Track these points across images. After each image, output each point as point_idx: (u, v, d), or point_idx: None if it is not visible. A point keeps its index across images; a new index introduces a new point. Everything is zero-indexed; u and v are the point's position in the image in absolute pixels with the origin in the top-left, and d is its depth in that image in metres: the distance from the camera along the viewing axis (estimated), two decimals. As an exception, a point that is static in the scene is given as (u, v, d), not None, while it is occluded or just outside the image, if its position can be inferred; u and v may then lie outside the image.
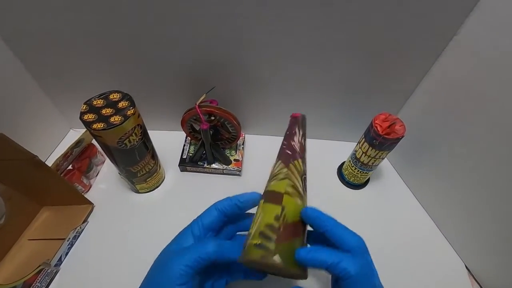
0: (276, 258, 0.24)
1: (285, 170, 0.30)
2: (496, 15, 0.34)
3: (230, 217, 0.30)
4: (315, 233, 0.29)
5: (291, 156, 0.32)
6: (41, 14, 0.40)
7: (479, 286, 0.43)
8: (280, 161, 0.32)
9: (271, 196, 0.28)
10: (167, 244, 0.30)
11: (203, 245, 0.26)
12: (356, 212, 0.51)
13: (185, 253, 0.26)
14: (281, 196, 0.28)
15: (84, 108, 0.37)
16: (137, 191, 0.50)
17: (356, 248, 0.25)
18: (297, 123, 0.35)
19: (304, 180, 0.31)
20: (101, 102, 0.38)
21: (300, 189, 0.29)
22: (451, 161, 0.44)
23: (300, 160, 0.32)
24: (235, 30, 0.41)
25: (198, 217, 0.30)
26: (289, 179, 0.29)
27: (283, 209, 0.27)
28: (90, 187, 0.51)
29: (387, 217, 0.50)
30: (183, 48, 0.44)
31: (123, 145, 0.39)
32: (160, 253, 0.29)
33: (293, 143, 0.33)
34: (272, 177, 0.31)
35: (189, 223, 0.32)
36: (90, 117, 0.36)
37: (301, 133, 0.34)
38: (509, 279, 0.39)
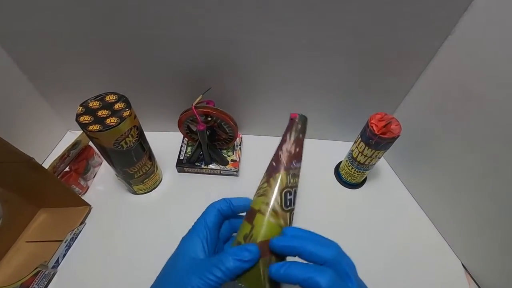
0: (238, 282, 0.24)
1: (265, 185, 0.29)
2: (490, 14, 0.35)
3: (226, 217, 0.31)
4: None
5: (274, 168, 0.29)
6: (37, 15, 0.40)
7: (476, 284, 0.43)
8: (265, 173, 0.30)
9: (248, 213, 0.29)
10: (175, 251, 0.28)
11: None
12: (354, 212, 0.51)
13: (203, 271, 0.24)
14: (254, 213, 0.28)
15: (80, 110, 0.37)
16: (135, 192, 0.50)
17: (329, 259, 0.24)
18: (290, 128, 0.32)
19: (287, 194, 0.28)
20: (97, 104, 0.38)
21: (277, 206, 0.27)
22: (448, 159, 0.44)
23: (284, 173, 0.29)
24: (231, 31, 0.41)
25: (201, 218, 0.30)
26: (265, 195, 0.28)
27: (252, 228, 0.27)
28: (88, 188, 0.51)
29: (384, 215, 0.50)
30: (180, 49, 0.44)
31: (120, 147, 0.39)
32: (170, 263, 0.27)
33: (280, 152, 0.30)
34: (257, 190, 0.30)
35: (186, 223, 0.32)
36: (86, 119, 0.36)
37: (292, 139, 0.31)
38: (506, 277, 0.39)
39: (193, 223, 0.31)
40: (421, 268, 0.44)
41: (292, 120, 0.32)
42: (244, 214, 0.30)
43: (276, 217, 0.27)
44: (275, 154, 0.31)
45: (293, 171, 0.29)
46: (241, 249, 0.25)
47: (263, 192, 0.29)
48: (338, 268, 0.24)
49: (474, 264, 0.44)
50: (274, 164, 0.30)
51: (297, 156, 0.30)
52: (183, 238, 0.29)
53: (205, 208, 0.31)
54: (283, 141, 0.31)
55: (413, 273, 0.44)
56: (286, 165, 0.29)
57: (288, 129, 0.32)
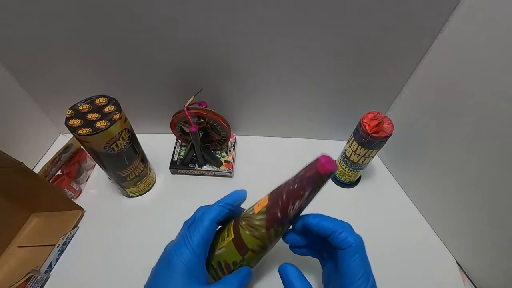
0: None
1: (263, 230, 0.28)
2: (479, 13, 0.34)
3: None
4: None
5: (278, 220, 0.28)
6: (25, 19, 0.40)
7: (470, 282, 0.43)
8: (264, 216, 0.28)
9: (239, 242, 0.29)
10: (163, 263, 0.27)
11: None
12: (348, 211, 0.50)
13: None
14: (246, 250, 0.29)
15: (69, 113, 0.37)
16: (128, 195, 0.50)
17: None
18: (312, 181, 0.25)
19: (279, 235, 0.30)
20: (87, 107, 0.38)
21: (270, 245, 0.30)
22: (441, 158, 0.44)
23: (286, 226, 0.29)
24: (223, 32, 0.41)
25: (194, 229, 0.28)
26: (262, 240, 0.29)
27: (242, 259, 0.29)
28: (81, 192, 0.51)
29: (379, 214, 0.50)
30: (170, 51, 0.44)
31: (111, 150, 0.38)
32: (158, 272, 0.27)
33: (291, 207, 0.27)
34: (254, 214, 0.29)
35: (181, 226, 0.32)
36: (75, 122, 0.36)
37: (307, 195, 0.27)
38: (500, 274, 0.39)
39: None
40: (415, 266, 0.44)
41: (319, 172, 0.24)
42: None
43: (266, 250, 0.30)
44: (283, 204, 0.27)
45: (288, 223, 0.29)
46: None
47: (258, 235, 0.28)
48: (360, 238, 0.28)
49: (468, 262, 0.44)
50: (279, 215, 0.27)
51: (300, 212, 0.29)
52: (173, 248, 0.27)
53: (199, 215, 0.30)
54: (297, 194, 0.26)
55: (407, 271, 0.44)
56: (291, 218, 0.28)
57: (309, 182, 0.25)
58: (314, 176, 0.25)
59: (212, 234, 0.29)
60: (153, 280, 0.27)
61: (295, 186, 0.27)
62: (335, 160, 0.25)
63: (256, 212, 0.29)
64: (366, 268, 0.27)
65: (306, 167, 0.27)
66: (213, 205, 0.31)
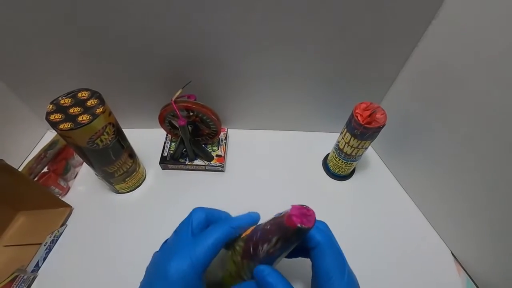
0: None
1: (239, 258, 0.26)
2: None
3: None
4: None
5: (250, 255, 0.25)
6: (3, 12, 0.38)
7: (465, 272, 0.43)
8: (244, 241, 0.26)
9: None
10: (159, 273, 0.25)
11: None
12: (343, 204, 0.50)
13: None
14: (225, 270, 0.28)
15: (50, 108, 0.35)
16: (117, 192, 0.49)
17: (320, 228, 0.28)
18: (281, 231, 0.22)
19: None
20: (69, 101, 0.36)
21: (244, 276, 0.27)
22: (435, 148, 0.43)
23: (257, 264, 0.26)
24: (211, 22, 0.40)
25: (193, 254, 0.25)
26: (237, 267, 0.27)
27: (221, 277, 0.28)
28: (69, 189, 0.50)
29: (373, 206, 0.49)
30: (157, 42, 0.42)
31: (95, 145, 0.37)
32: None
33: (260, 247, 0.24)
34: (240, 238, 0.27)
35: (172, 222, 0.29)
36: (57, 117, 0.35)
37: (274, 242, 0.23)
38: (495, 264, 0.39)
39: (178, 223, 0.28)
40: (410, 258, 0.44)
41: (284, 223, 0.21)
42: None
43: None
44: (255, 240, 0.25)
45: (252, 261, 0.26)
46: None
47: (236, 261, 0.27)
48: (330, 234, 0.28)
49: (463, 253, 0.43)
50: (251, 250, 0.25)
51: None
52: (170, 262, 0.25)
53: (209, 231, 0.27)
54: (266, 237, 0.23)
55: (402, 263, 0.43)
56: (260, 261, 0.25)
57: (277, 229, 0.23)
58: (281, 225, 0.22)
59: (215, 255, 0.26)
60: (149, 273, 0.26)
61: (267, 227, 0.24)
62: (315, 218, 0.22)
63: (242, 236, 0.27)
64: (339, 263, 0.26)
65: (283, 212, 0.24)
66: (224, 224, 0.27)
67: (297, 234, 0.21)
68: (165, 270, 0.24)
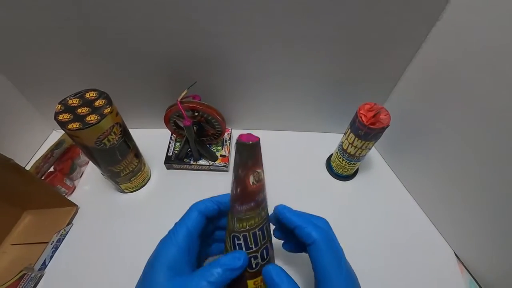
0: None
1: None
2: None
3: (210, 218, 0.29)
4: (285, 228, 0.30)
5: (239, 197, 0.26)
6: (9, 12, 0.38)
7: (468, 273, 0.43)
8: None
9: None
10: (150, 258, 0.26)
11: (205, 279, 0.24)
12: (346, 204, 0.51)
13: None
14: None
15: (59, 108, 0.36)
16: (123, 191, 0.49)
17: (321, 227, 0.28)
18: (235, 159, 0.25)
19: (235, 238, 0.27)
20: (77, 101, 0.37)
21: (228, 249, 0.28)
22: (438, 149, 0.44)
23: (229, 215, 0.27)
24: (216, 22, 0.40)
25: (180, 222, 0.28)
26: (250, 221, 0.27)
27: None
28: (74, 188, 0.50)
29: (376, 207, 0.50)
30: (163, 42, 0.43)
31: (102, 145, 0.38)
32: (145, 273, 0.26)
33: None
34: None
35: (177, 221, 0.31)
36: (65, 117, 0.35)
37: (232, 176, 0.26)
38: (498, 264, 0.39)
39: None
40: (413, 258, 0.44)
41: (239, 141, 0.24)
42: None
43: None
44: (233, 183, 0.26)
45: (238, 215, 0.26)
46: (231, 258, 0.25)
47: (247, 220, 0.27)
48: (328, 232, 0.29)
49: (466, 253, 0.43)
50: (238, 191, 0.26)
51: (238, 198, 0.26)
52: (160, 245, 0.26)
53: (187, 209, 0.29)
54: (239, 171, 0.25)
55: (405, 262, 0.43)
56: (231, 207, 0.27)
57: (237, 159, 0.25)
58: (237, 150, 0.25)
59: (199, 226, 0.28)
60: (141, 276, 0.26)
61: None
62: (258, 138, 0.24)
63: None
64: (336, 259, 0.27)
65: None
66: (203, 199, 0.30)
67: (247, 148, 0.24)
68: (153, 256, 0.26)
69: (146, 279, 0.25)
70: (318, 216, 0.30)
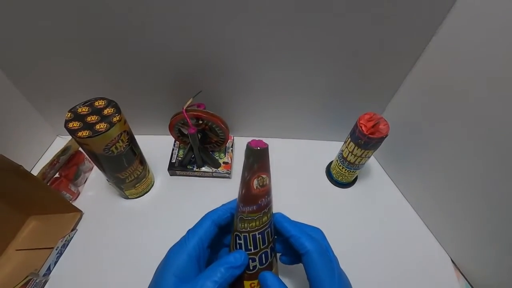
0: None
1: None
2: (473, 13, 0.35)
3: (223, 227, 0.30)
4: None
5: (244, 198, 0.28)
6: (19, 20, 0.39)
7: (464, 279, 0.44)
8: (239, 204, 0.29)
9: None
10: (160, 264, 0.27)
11: (209, 279, 0.25)
12: (345, 211, 0.52)
13: None
14: None
15: (68, 116, 0.37)
16: (127, 197, 0.50)
17: (316, 237, 0.30)
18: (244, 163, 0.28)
19: (236, 238, 0.28)
20: (86, 110, 0.38)
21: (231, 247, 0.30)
22: (436, 157, 0.45)
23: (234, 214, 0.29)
24: (221, 33, 0.41)
25: (193, 230, 0.28)
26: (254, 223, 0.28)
27: None
28: (79, 194, 0.51)
29: (374, 213, 0.51)
30: (168, 53, 0.44)
31: (110, 152, 0.39)
32: (155, 281, 0.27)
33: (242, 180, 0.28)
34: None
35: (180, 227, 0.31)
36: (75, 125, 0.36)
37: (241, 179, 0.28)
38: (494, 271, 0.40)
39: (186, 228, 0.30)
40: (410, 264, 0.45)
41: (249, 147, 0.26)
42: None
43: None
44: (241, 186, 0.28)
45: (241, 215, 0.27)
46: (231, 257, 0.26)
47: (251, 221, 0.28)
48: (322, 242, 0.30)
49: (463, 259, 0.45)
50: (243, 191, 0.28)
51: (242, 199, 0.27)
52: (171, 252, 0.27)
53: (200, 217, 0.30)
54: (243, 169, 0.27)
55: (402, 270, 0.44)
56: (236, 206, 0.28)
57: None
58: (246, 153, 0.27)
59: (211, 235, 0.29)
60: (151, 282, 0.27)
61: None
62: (267, 144, 0.26)
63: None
64: (328, 268, 0.28)
65: None
66: (217, 207, 0.31)
67: (254, 153, 0.26)
68: (164, 261, 0.27)
69: (156, 279, 0.26)
70: (313, 227, 0.31)
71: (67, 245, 0.45)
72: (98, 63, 0.46)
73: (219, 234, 0.30)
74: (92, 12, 0.39)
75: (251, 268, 0.28)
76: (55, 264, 0.43)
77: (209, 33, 0.42)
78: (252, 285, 0.28)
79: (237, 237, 0.28)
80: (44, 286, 0.41)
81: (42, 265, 0.40)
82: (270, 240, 0.29)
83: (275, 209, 0.33)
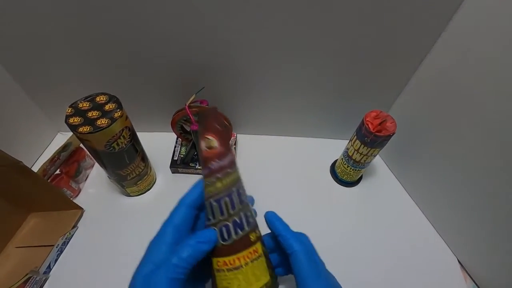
0: None
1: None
2: (482, 11, 0.34)
3: (201, 208, 0.29)
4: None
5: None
6: (21, 15, 0.39)
7: (472, 280, 0.43)
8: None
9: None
10: (139, 265, 0.27)
11: (176, 254, 0.25)
12: (350, 210, 0.51)
13: (161, 271, 0.24)
14: None
15: (69, 111, 0.36)
16: (128, 195, 0.49)
17: (302, 240, 0.30)
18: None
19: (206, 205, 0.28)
20: (87, 105, 0.37)
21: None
22: (442, 157, 0.44)
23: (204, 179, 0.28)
24: (224, 30, 0.41)
25: (166, 221, 0.28)
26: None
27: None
28: (80, 191, 0.50)
29: (380, 213, 0.50)
30: (171, 49, 0.43)
31: (112, 149, 0.38)
32: (134, 279, 0.26)
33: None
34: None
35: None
36: (76, 120, 0.35)
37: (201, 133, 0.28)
38: (501, 272, 0.39)
39: None
40: (417, 265, 0.44)
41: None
42: None
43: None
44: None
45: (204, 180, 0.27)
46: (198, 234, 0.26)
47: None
48: (308, 245, 0.30)
49: (470, 261, 0.44)
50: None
51: (201, 164, 0.27)
52: (150, 244, 0.28)
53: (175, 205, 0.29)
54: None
55: (409, 270, 0.44)
56: (202, 170, 0.27)
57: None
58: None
59: (188, 219, 0.28)
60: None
61: None
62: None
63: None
64: (313, 267, 0.28)
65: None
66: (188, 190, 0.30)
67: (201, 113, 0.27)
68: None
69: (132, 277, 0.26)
70: (300, 232, 0.32)
71: (68, 243, 0.44)
72: (100, 59, 0.45)
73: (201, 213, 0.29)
74: (94, 6, 0.38)
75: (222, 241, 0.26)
76: (55, 262, 0.42)
77: (214, 31, 0.41)
78: (219, 263, 0.26)
79: (206, 204, 0.27)
80: (44, 284, 0.40)
81: (42, 263, 0.40)
82: (231, 212, 0.27)
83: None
